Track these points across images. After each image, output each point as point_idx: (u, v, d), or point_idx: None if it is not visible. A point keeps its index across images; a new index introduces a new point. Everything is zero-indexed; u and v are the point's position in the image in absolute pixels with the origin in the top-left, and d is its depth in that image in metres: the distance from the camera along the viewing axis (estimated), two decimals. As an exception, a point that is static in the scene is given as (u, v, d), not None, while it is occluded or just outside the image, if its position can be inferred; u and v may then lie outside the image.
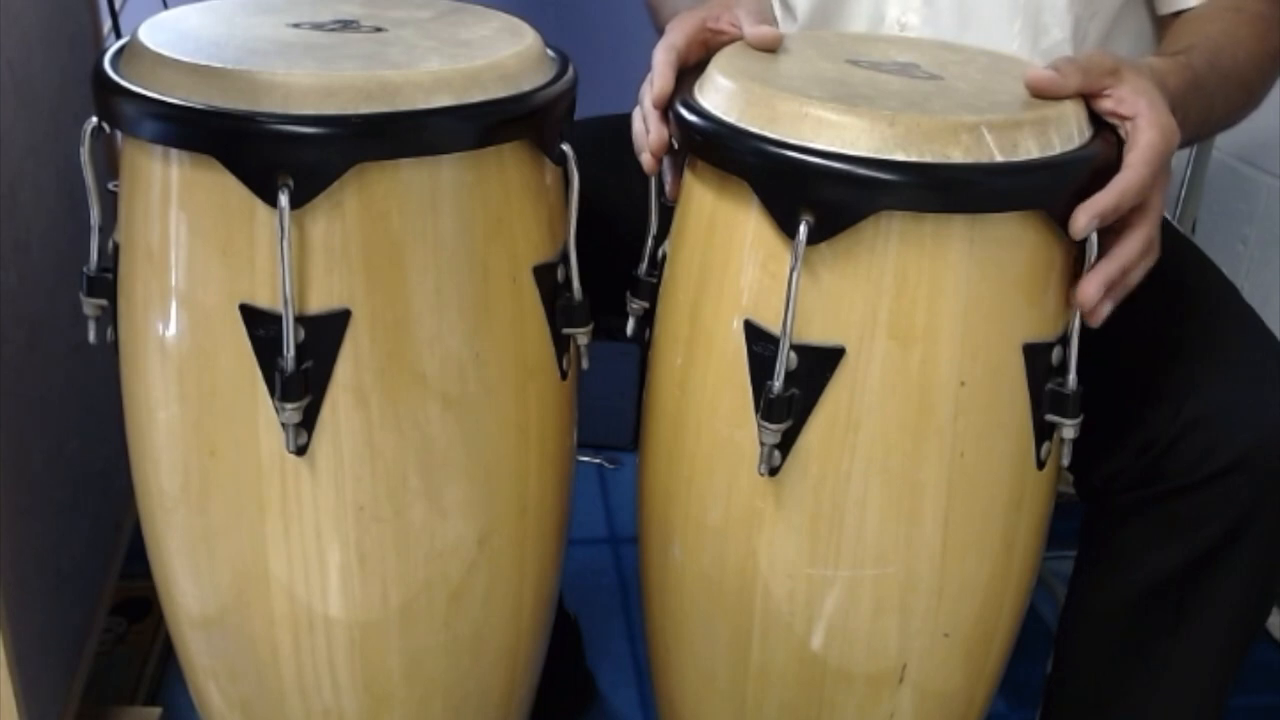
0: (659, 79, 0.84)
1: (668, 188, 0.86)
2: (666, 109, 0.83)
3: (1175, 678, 0.91)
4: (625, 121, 0.87)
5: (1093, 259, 0.75)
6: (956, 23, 1.00)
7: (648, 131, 0.84)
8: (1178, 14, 1.00)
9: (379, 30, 0.83)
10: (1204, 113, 0.87)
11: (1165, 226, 1.05)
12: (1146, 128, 0.75)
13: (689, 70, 0.85)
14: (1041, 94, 0.78)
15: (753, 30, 0.86)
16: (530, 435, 0.86)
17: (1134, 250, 0.77)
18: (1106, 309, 0.77)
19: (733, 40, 0.87)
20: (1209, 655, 0.91)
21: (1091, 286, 0.75)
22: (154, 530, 0.87)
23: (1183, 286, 0.95)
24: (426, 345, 0.79)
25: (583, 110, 0.87)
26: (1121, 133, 0.77)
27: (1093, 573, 0.93)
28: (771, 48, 0.86)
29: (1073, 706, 0.98)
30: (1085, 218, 0.74)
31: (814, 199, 0.72)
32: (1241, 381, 0.85)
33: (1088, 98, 0.79)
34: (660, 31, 0.91)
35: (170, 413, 0.81)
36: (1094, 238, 0.75)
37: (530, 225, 0.82)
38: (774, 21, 0.90)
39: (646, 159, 0.85)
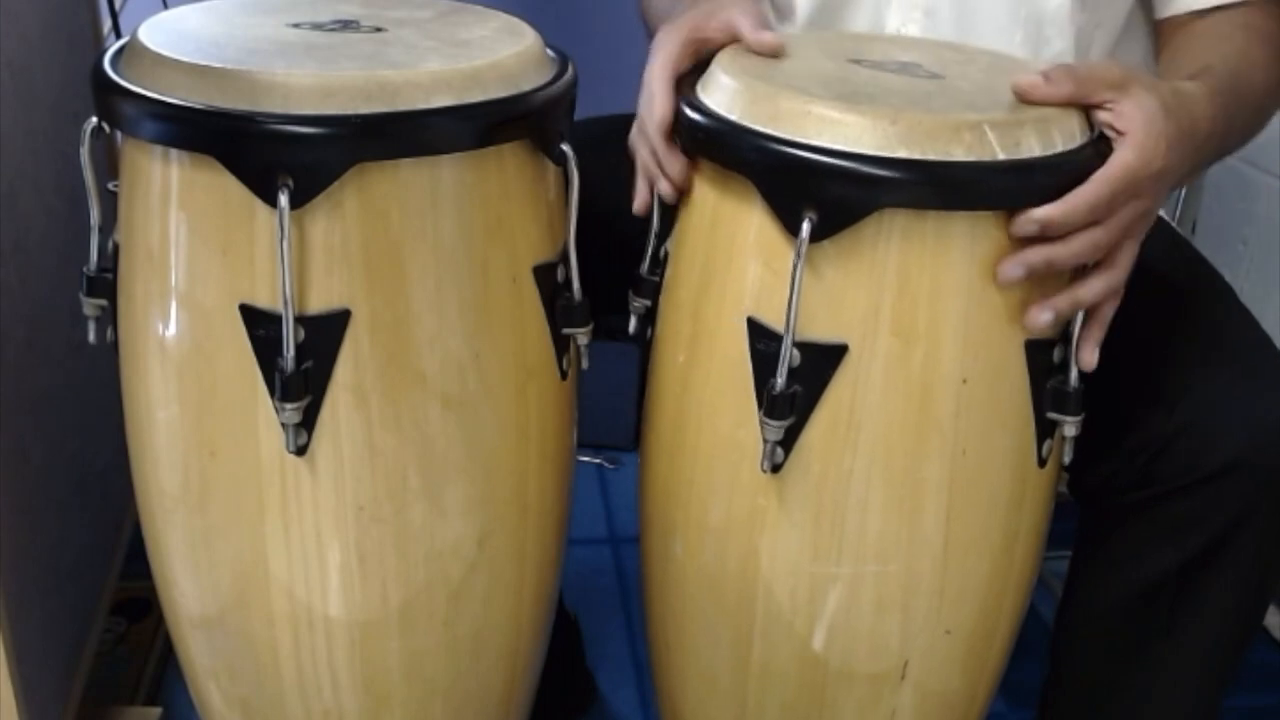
0: (660, 105, 0.80)
1: (664, 189, 0.83)
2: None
3: (1170, 679, 0.91)
4: (625, 121, 0.86)
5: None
6: (956, 34, 1.00)
7: (659, 164, 0.81)
8: (1177, 21, 0.96)
9: (379, 30, 0.83)
10: (1222, 139, 0.83)
11: (1162, 226, 1.05)
12: (1127, 147, 0.73)
13: (682, 75, 0.84)
14: (1028, 100, 0.76)
15: (755, 37, 0.82)
16: (530, 435, 0.86)
17: (1092, 292, 0.75)
18: (1043, 318, 0.75)
19: (722, 46, 0.84)
20: (1204, 656, 0.91)
21: (1011, 267, 0.73)
22: (154, 530, 0.87)
23: (1178, 288, 0.94)
24: (426, 345, 0.79)
25: (583, 110, 0.86)
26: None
27: (1088, 574, 0.93)
28: (775, 54, 0.82)
29: (1068, 707, 0.98)
30: (1025, 220, 0.72)
31: (817, 197, 0.72)
32: (1235, 383, 0.85)
33: (1087, 108, 0.76)
34: (650, 35, 0.89)
35: (170, 413, 0.81)
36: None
37: (530, 225, 0.82)
38: (771, 26, 0.87)
39: (666, 189, 0.81)
